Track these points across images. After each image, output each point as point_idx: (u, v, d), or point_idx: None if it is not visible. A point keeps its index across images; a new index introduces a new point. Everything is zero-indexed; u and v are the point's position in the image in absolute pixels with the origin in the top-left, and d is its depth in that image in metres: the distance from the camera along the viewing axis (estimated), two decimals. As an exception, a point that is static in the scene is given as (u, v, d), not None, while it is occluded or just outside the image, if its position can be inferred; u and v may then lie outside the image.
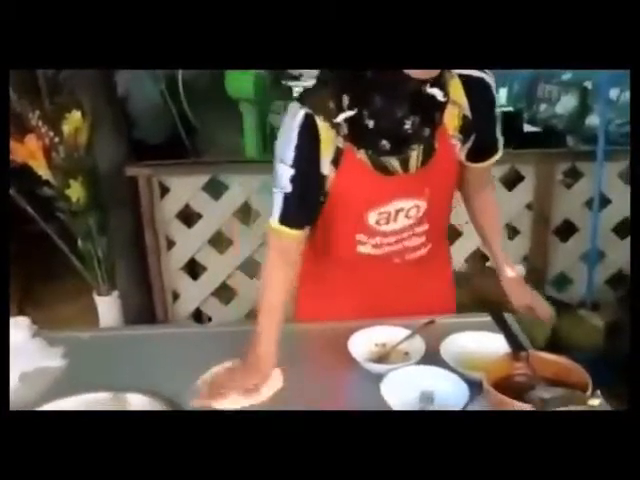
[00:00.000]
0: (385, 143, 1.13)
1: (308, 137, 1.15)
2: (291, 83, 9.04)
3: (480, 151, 1.25)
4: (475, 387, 1.01)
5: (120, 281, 2.57)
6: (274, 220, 1.20)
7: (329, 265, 1.37)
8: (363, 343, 1.22)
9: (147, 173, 2.45)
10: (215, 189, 2.51)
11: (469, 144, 1.22)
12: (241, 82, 2.49)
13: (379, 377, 1.08)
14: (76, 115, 2.28)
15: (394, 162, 1.17)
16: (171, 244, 2.59)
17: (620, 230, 2.50)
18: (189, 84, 2.85)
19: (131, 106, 2.90)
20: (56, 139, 2.30)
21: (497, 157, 1.30)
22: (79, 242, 2.51)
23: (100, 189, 2.47)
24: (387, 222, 1.24)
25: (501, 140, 1.29)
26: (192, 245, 2.59)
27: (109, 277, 2.57)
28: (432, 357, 1.13)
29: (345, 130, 1.14)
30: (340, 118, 1.12)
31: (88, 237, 2.50)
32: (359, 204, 1.22)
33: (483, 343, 1.16)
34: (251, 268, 2.62)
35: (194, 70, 2.74)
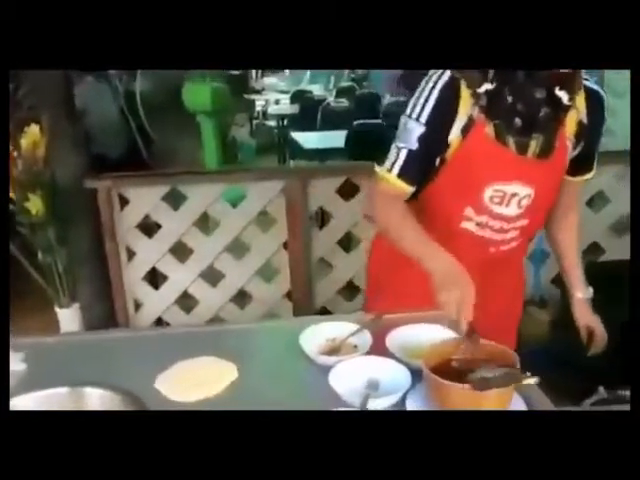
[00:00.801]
0: (518, 121, 1.18)
1: (448, 99, 1.19)
2: (253, 96, 9.09)
3: (580, 164, 1.33)
4: (417, 374, 1.07)
5: (82, 292, 2.58)
6: (390, 171, 1.23)
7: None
8: (314, 338, 1.29)
9: (106, 185, 2.49)
10: (174, 200, 2.56)
11: (575, 152, 1.29)
12: (198, 95, 2.56)
13: (330, 369, 1.14)
14: (34, 129, 2.31)
15: (518, 142, 1.21)
16: (132, 254, 2.63)
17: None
18: (147, 98, 2.90)
19: (90, 121, 2.93)
20: (15, 153, 2.31)
21: (591, 175, 1.38)
22: (39, 255, 2.52)
23: (59, 202, 2.49)
24: (500, 203, 1.27)
25: (596, 159, 1.37)
26: (153, 255, 2.63)
27: (70, 289, 2.58)
28: (379, 349, 1.20)
29: (484, 101, 1.18)
30: (483, 88, 1.17)
31: (48, 250, 2.50)
32: (480, 176, 1.25)
33: (425, 334, 1.24)
34: (212, 276, 2.67)
35: (152, 83, 2.79)
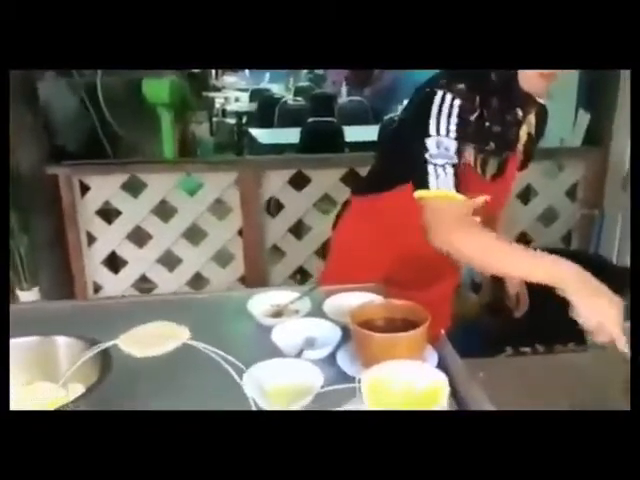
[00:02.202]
0: (492, 145, 1.29)
1: (465, 114, 1.24)
2: (213, 94, 9.13)
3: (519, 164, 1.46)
4: (349, 333, 1.20)
5: (43, 276, 2.69)
6: (450, 190, 1.20)
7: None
8: (261, 304, 1.44)
9: (67, 172, 2.60)
10: (134, 187, 2.69)
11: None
12: (157, 88, 2.69)
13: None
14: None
15: (483, 163, 1.31)
16: (92, 239, 2.74)
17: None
18: (109, 91, 3.01)
19: (52, 113, 3.02)
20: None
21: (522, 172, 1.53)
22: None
23: (21, 190, 2.59)
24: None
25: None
26: (112, 240, 2.75)
27: (31, 273, 2.69)
28: (317, 312, 1.36)
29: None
30: (474, 116, 1.25)
31: (11, 235, 2.61)
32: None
33: (356, 299, 1.41)
34: (169, 261, 2.81)
35: (113, 77, 2.90)
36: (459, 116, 1.22)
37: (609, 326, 1.07)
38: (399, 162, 1.41)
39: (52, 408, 0.90)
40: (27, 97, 2.58)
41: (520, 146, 1.42)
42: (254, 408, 0.89)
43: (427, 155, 1.22)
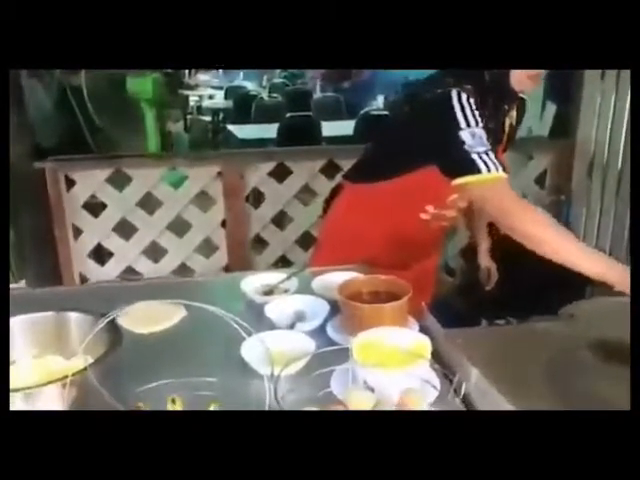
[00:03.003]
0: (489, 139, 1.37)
1: (477, 105, 1.35)
2: (187, 92, 9.07)
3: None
4: (337, 308, 1.28)
5: (30, 269, 2.73)
6: (498, 170, 1.30)
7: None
8: (253, 283, 1.51)
9: (53, 167, 2.65)
10: (119, 181, 2.75)
11: None
12: (140, 84, 2.75)
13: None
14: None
15: None
16: (78, 232, 2.79)
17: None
18: (92, 87, 3.05)
19: (36, 110, 3.04)
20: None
21: None
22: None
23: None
24: (453, 203, 1.50)
25: None
26: (98, 233, 2.81)
27: (18, 266, 2.73)
28: (306, 291, 1.43)
29: None
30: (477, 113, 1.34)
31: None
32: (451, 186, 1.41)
33: (343, 277, 1.50)
34: (155, 253, 2.87)
35: (97, 74, 2.94)
36: (477, 110, 1.34)
37: None
38: (406, 154, 1.50)
39: (59, 379, 0.92)
40: (12, 94, 2.62)
41: (505, 136, 1.54)
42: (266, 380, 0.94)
43: (466, 147, 1.31)
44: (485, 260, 1.85)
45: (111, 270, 2.87)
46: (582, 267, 1.27)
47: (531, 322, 1.41)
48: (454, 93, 1.35)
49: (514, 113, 1.55)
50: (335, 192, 1.77)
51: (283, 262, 2.97)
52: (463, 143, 1.32)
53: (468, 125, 1.33)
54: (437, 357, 1.16)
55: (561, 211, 3.05)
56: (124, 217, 2.81)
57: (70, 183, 2.72)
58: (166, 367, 1.11)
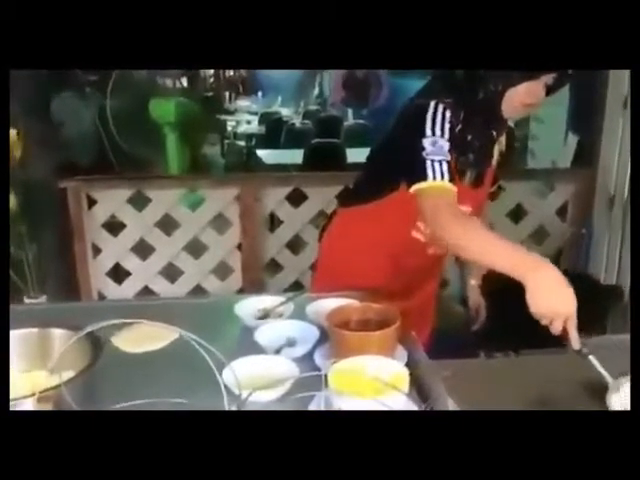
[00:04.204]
0: (471, 156, 1.43)
1: (456, 120, 1.37)
2: (225, 117, 9.28)
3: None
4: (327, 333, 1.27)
5: (49, 285, 2.80)
6: (443, 180, 1.30)
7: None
8: (247, 307, 1.52)
9: (76, 186, 2.73)
10: (139, 202, 2.81)
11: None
12: (163, 108, 2.83)
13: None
14: (12, 133, 2.54)
15: (462, 172, 1.42)
16: (97, 251, 2.86)
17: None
18: (117, 111, 3.15)
19: (66, 132, 3.15)
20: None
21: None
22: (11, 249, 2.74)
23: (32, 201, 2.71)
24: None
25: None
26: (117, 252, 2.87)
27: (38, 282, 2.80)
28: (300, 316, 1.43)
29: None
30: (458, 128, 1.38)
31: (20, 244, 2.73)
32: None
33: (336, 304, 1.50)
34: (171, 273, 2.92)
35: (122, 98, 3.04)
36: (450, 122, 1.34)
37: (559, 317, 1.13)
38: (389, 171, 1.51)
39: (42, 392, 0.94)
40: (41, 113, 2.72)
41: (494, 162, 1.53)
42: (226, 401, 0.95)
43: (424, 153, 1.31)
44: (474, 296, 1.80)
45: (128, 289, 2.92)
46: (497, 262, 1.21)
47: (529, 355, 1.39)
48: (431, 105, 1.36)
49: (503, 140, 1.55)
50: (330, 219, 1.78)
51: (297, 287, 2.98)
52: (423, 149, 1.32)
53: (433, 133, 1.33)
54: (420, 388, 1.15)
55: (582, 244, 2.99)
56: (142, 237, 2.87)
57: (91, 202, 2.79)
58: (146, 387, 1.11)
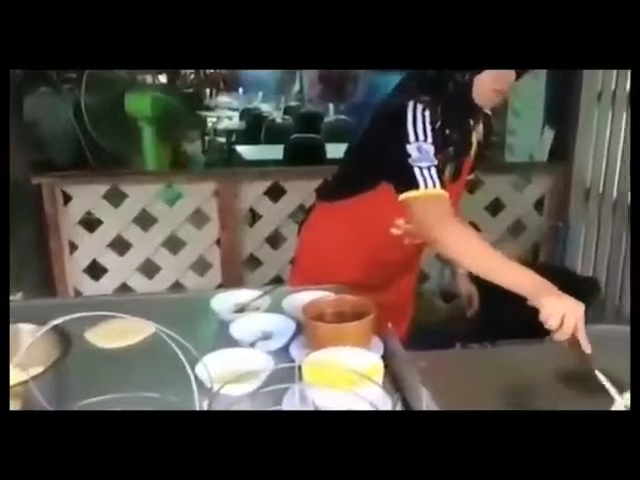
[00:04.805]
0: (451, 150, 1.41)
1: (435, 117, 1.36)
2: (205, 113, 9.24)
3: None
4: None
5: (26, 282, 2.76)
6: (435, 187, 1.29)
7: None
8: (224, 302, 1.50)
9: (50, 182, 2.69)
10: (115, 197, 2.78)
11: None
12: (139, 102, 2.80)
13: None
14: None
15: (443, 167, 1.39)
16: (74, 248, 2.82)
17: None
18: (92, 106, 3.11)
19: (41, 128, 3.11)
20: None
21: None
22: (-15, 246, 2.69)
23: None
24: None
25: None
26: (94, 249, 2.83)
27: (14, 279, 2.76)
28: (277, 309, 1.42)
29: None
30: (438, 124, 1.36)
31: (-7, 242, 2.68)
32: None
33: (312, 297, 1.49)
34: (150, 270, 2.89)
35: (97, 93, 3.00)
36: (430, 123, 1.34)
37: (569, 320, 1.14)
38: (367, 170, 1.50)
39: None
40: (14, 109, 2.67)
41: (472, 152, 1.53)
42: (197, 396, 0.95)
43: (410, 160, 1.31)
44: (465, 285, 1.81)
45: (105, 286, 2.89)
46: (501, 279, 1.23)
47: (505, 346, 1.39)
48: (410, 106, 1.35)
49: (480, 129, 1.54)
50: (308, 214, 1.77)
51: (277, 282, 2.97)
52: (409, 156, 1.31)
53: (417, 139, 1.32)
54: (395, 379, 1.15)
55: (559, 237, 3.02)
56: (119, 233, 2.84)
57: (67, 198, 2.76)
58: (119, 382, 1.10)
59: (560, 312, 1.14)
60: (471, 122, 1.48)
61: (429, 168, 1.30)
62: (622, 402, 1.04)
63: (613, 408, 1.03)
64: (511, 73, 1.34)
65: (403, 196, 1.34)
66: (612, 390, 1.06)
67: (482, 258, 1.27)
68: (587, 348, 1.16)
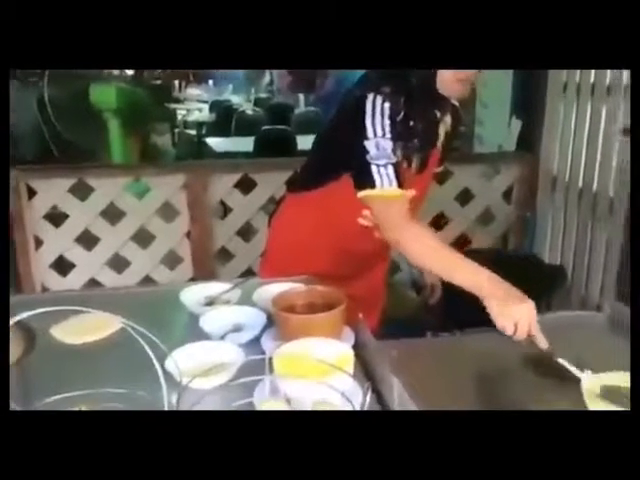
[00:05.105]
0: (416, 142, 1.41)
1: (393, 115, 1.34)
2: (175, 105, 9.16)
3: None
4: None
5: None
6: (391, 186, 1.29)
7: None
8: (194, 295, 1.49)
9: (14, 176, 2.62)
10: (81, 191, 2.73)
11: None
12: (104, 94, 2.74)
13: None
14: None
15: (407, 158, 1.40)
16: (40, 243, 2.76)
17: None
18: (56, 98, 3.04)
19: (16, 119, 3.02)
20: None
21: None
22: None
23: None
24: None
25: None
26: (60, 244, 2.78)
27: (-22, 276, 2.69)
28: (248, 302, 1.41)
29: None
30: (400, 116, 1.35)
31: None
32: None
33: (282, 288, 1.49)
34: (118, 264, 2.85)
35: (60, 85, 2.94)
36: (390, 117, 1.33)
37: (523, 326, 1.19)
38: (331, 161, 1.51)
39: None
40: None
41: (439, 143, 1.54)
42: (165, 391, 0.94)
43: (368, 157, 1.31)
44: (429, 275, 1.83)
45: (73, 281, 2.84)
46: (457, 279, 1.28)
47: (475, 334, 1.41)
48: (369, 98, 1.34)
49: (448, 119, 1.54)
50: (278, 204, 1.77)
51: (249, 274, 2.95)
52: (367, 153, 1.32)
53: (375, 135, 1.32)
54: (366, 369, 1.15)
55: (527, 226, 3.06)
56: (87, 227, 2.78)
57: (31, 193, 2.69)
58: (86, 378, 1.08)
59: (512, 321, 1.19)
60: (437, 113, 1.48)
61: (386, 166, 1.31)
62: (586, 376, 1.07)
63: (582, 385, 1.05)
64: None
65: (361, 194, 1.36)
66: (575, 370, 1.09)
67: (438, 260, 1.31)
68: (543, 344, 1.19)
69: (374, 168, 1.31)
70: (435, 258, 1.31)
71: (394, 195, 1.31)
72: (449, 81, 1.36)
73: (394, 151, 1.32)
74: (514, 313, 1.20)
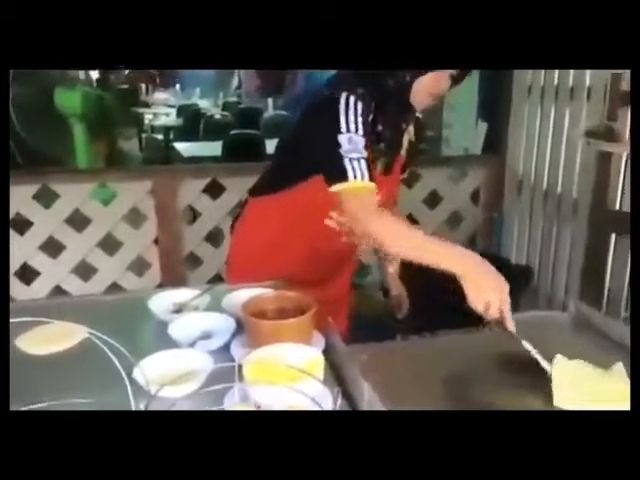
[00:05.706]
0: (382, 146, 1.43)
1: (368, 111, 1.36)
2: (142, 110, 9.06)
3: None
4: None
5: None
6: (363, 180, 1.30)
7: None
8: (161, 302, 1.47)
9: (-25, 183, 2.56)
10: (46, 197, 2.68)
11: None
12: (68, 98, 2.69)
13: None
14: None
15: (375, 161, 1.40)
16: (3, 251, 2.70)
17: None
18: (20, 102, 2.97)
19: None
20: None
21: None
22: None
23: None
24: None
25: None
26: (24, 251, 2.72)
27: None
28: (216, 308, 1.40)
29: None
30: (370, 118, 1.37)
31: None
32: None
33: (254, 294, 1.48)
34: (85, 272, 2.80)
35: (24, 88, 2.87)
36: (362, 116, 1.34)
37: (494, 305, 1.18)
38: (299, 162, 1.50)
39: None
40: None
41: (403, 151, 1.56)
42: (133, 400, 0.92)
43: (341, 150, 1.31)
44: (394, 285, 1.82)
45: (38, 290, 2.78)
46: (431, 259, 1.24)
47: (444, 336, 1.42)
48: (343, 96, 1.35)
49: (412, 130, 1.57)
50: (241, 209, 1.75)
51: (218, 280, 2.93)
52: (339, 146, 1.32)
53: (348, 130, 1.32)
54: (337, 373, 1.15)
55: (494, 227, 3.11)
56: (51, 235, 2.73)
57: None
58: (52, 389, 1.06)
59: (484, 298, 1.18)
60: (403, 124, 1.50)
61: (359, 160, 1.31)
62: (551, 368, 1.09)
63: (551, 380, 1.07)
64: (447, 77, 1.36)
65: (334, 188, 1.35)
66: (540, 358, 1.12)
67: (410, 241, 1.29)
68: (510, 326, 1.19)
69: (347, 161, 1.31)
70: (407, 240, 1.29)
71: (367, 188, 1.31)
72: (422, 94, 1.38)
73: (365, 148, 1.33)
74: (487, 291, 1.19)
